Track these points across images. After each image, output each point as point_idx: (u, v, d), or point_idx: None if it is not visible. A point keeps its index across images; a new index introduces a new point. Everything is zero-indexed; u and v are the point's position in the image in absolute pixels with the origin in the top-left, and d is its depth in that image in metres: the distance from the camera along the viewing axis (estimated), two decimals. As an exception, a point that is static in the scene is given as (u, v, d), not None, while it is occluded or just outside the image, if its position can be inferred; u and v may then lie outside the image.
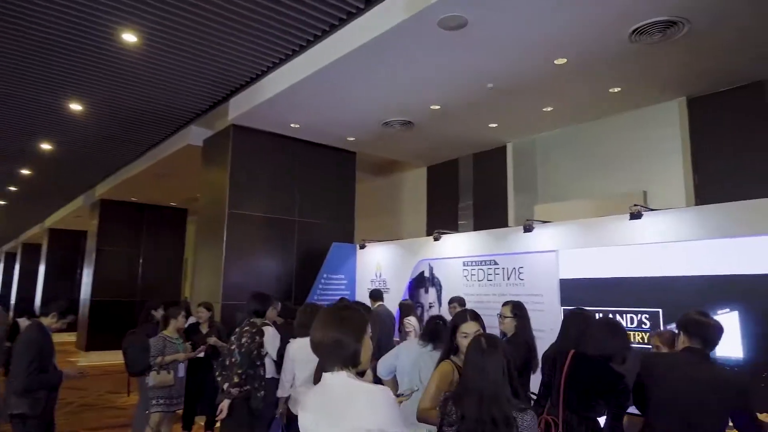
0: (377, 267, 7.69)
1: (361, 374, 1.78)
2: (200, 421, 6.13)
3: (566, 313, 3.06)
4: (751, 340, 4.12)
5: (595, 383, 2.62)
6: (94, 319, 13.53)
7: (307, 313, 4.15)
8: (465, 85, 6.07)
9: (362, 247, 7.76)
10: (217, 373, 4.09)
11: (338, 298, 7.60)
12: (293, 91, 6.34)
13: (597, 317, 3.91)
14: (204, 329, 6.20)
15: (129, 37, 5.73)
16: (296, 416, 3.97)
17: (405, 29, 4.79)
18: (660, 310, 4.70)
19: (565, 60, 5.35)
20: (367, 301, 6.78)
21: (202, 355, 5.72)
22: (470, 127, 7.58)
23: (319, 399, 1.76)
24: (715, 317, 4.50)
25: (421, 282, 7.03)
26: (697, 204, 5.98)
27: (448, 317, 6.19)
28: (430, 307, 6.87)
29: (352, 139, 8.13)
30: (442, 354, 2.77)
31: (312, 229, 8.28)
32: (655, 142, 6.61)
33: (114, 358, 11.21)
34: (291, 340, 4.14)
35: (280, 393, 4.01)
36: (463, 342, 2.63)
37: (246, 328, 4.10)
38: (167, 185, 11.94)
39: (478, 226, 8.23)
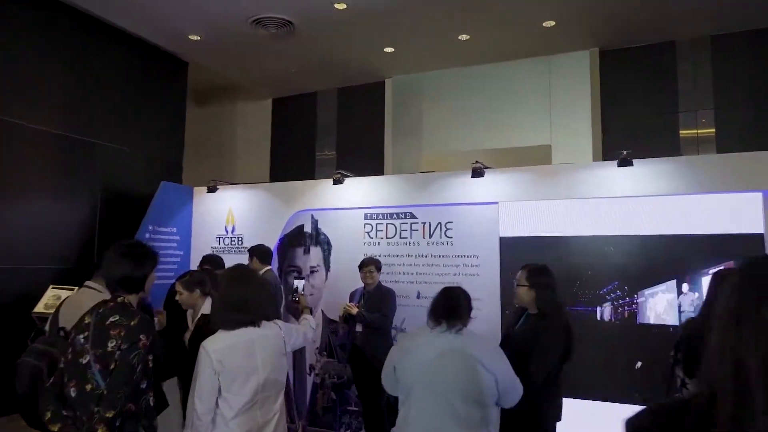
0: (229, 219, 5.65)
1: None
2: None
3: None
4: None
5: None
6: None
7: (240, 285, 2.28)
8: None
9: (212, 190, 5.56)
10: (48, 415, 1.91)
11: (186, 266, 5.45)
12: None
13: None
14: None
15: None
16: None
17: None
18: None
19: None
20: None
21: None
22: (362, 47, 6.05)
23: None
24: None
25: (298, 239, 5.32)
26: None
27: (359, 284, 4.73)
28: (312, 271, 5.25)
29: (195, 38, 5.78)
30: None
31: (123, 160, 5.74)
32: (562, 95, 6.11)
33: None
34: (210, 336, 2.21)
35: (195, 437, 2.09)
36: None
37: (114, 319, 1.99)
38: None
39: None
